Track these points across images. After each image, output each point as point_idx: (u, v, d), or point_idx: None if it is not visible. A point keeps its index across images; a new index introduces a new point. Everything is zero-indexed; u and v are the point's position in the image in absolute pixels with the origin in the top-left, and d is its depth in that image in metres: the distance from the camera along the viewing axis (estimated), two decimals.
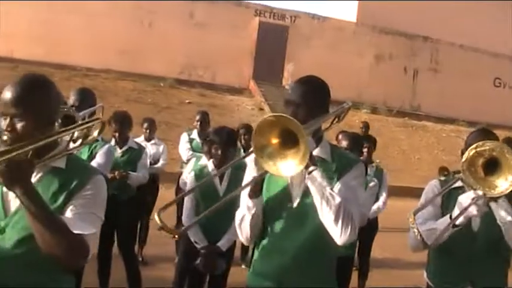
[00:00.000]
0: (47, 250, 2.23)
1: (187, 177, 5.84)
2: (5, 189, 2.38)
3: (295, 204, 3.01)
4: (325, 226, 2.87)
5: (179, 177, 8.15)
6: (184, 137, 8.49)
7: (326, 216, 2.82)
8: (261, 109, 22.83)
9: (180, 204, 7.78)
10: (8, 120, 2.34)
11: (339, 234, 2.83)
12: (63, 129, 2.47)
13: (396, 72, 27.36)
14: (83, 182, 2.43)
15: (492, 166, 3.19)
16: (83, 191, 2.40)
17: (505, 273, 3.69)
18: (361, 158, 6.49)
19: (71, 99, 5.78)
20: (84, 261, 2.35)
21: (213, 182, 5.20)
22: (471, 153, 3.21)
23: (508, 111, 27.34)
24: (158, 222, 2.49)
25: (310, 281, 3.03)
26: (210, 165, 5.38)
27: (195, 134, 8.46)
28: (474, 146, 3.22)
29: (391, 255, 9.38)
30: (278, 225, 3.05)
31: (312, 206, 2.88)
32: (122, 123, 6.48)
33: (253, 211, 3.04)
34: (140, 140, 8.12)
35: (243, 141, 7.72)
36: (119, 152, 6.46)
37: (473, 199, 3.19)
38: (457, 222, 3.22)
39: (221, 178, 5.25)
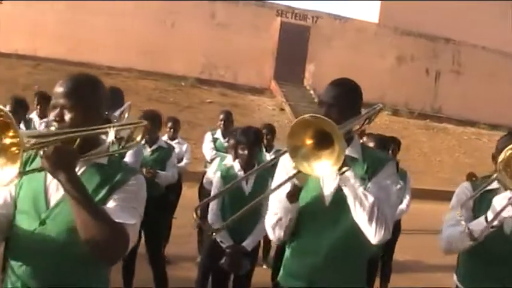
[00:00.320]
0: (89, 239, 2.23)
1: (214, 177, 5.87)
2: (48, 181, 2.44)
3: (327, 204, 3.03)
4: (357, 226, 2.88)
5: (203, 176, 8.18)
6: (208, 137, 8.51)
7: (360, 216, 2.84)
8: (282, 109, 22.85)
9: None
10: (57, 110, 2.42)
11: (373, 234, 2.85)
12: (109, 125, 2.53)
13: (418, 74, 27.25)
14: (125, 178, 2.47)
15: None
16: (125, 186, 2.45)
17: None
18: None
19: None
20: (123, 251, 2.34)
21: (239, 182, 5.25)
22: (508, 154, 3.20)
23: None
24: (196, 219, 2.51)
25: (342, 281, 3.04)
26: (236, 165, 5.40)
27: (218, 134, 8.48)
28: (511, 146, 3.21)
29: (412, 258, 9.35)
30: (310, 225, 3.07)
31: (344, 205, 2.89)
32: (152, 122, 6.40)
33: (291, 215, 3.05)
34: (164, 139, 8.16)
35: (265, 141, 7.73)
36: (148, 150, 6.47)
37: (510, 199, 3.18)
38: (494, 223, 3.22)
39: (247, 177, 5.28)
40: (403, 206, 7.01)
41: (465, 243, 3.28)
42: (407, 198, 7.11)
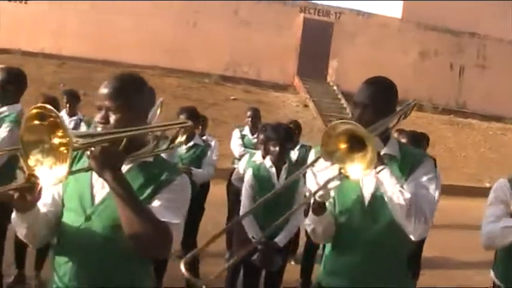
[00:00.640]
0: (133, 236, 2.27)
1: (244, 173, 5.91)
2: (93, 179, 2.49)
3: (366, 204, 3.07)
4: (397, 223, 2.91)
5: (231, 173, 8.23)
6: (236, 133, 8.55)
7: (398, 213, 2.86)
8: (306, 106, 22.82)
9: (232, 201, 7.87)
10: (103, 112, 2.46)
11: (412, 230, 2.87)
12: (155, 125, 2.57)
13: (442, 69, 27.00)
14: (171, 177, 2.50)
15: None
16: (170, 185, 2.48)
17: None
18: None
19: None
20: (167, 250, 2.37)
21: (271, 179, 5.30)
22: None
23: None
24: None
25: (383, 279, 3.08)
26: (267, 162, 5.44)
27: (246, 130, 8.52)
28: None
29: (439, 254, 9.31)
30: (350, 224, 3.11)
31: (383, 203, 2.93)
32: (189, 119, 6.33)
33: (323, 226, 3.12)
34: None
35: None
36: (184, 148, 6.42)
37: None
38: None
39: (278, 174, 5.33)
40: None
41: (507, 239, 3.28)
42: (436, 194, 7.08)
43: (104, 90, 2.47)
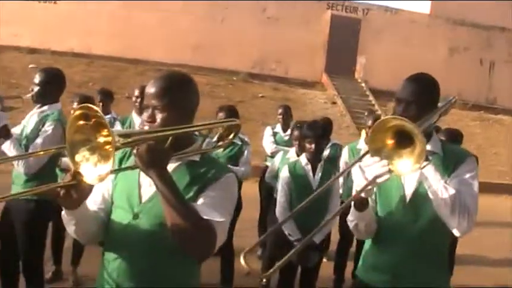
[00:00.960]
0: (177, 234, 2.29)
1: (280, 171, 5.92)
2: (141, 177, 2.52)
3: (408, 199, 3.08)
4: (438, 220, 2.92)
5: (262, 171, 8.26)
6: (268, 131, 8.56)
7: (442, 209, 2.86)
8: (334, 102, 22.78)
9: (265, 198, 7.89)
10: (149, 111, 2.47)
11: (456, 227, 2.88)
12: (202, 123, 2.58)
13: (471, 65, 26.72)
14: (217, 176, 2.49)
15: None
16: (216, 184, 2.47)
17: None
18: None
19: None
20: (211, 248, 2.36)
21: (307, 176, 5.31)
22: None
23: None
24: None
25: (425, 274, 3.08)
26: (303, 159, 5.45)
27: (278, 128, 8.53)
28: None
29: (470, 252, 9.24)
30: (392, 220, 3.12)
31: (425, 199, 2.94)
32: (229, 117, 6.14)
33: (364, 222, 3.13)
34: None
35: None
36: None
37: None
38: None
39: (314, 171, 5.35)
40: None
41: None
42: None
43: (150, 89, 2.47)
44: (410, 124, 2.62)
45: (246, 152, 6.55)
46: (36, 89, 4.84)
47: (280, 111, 8.63)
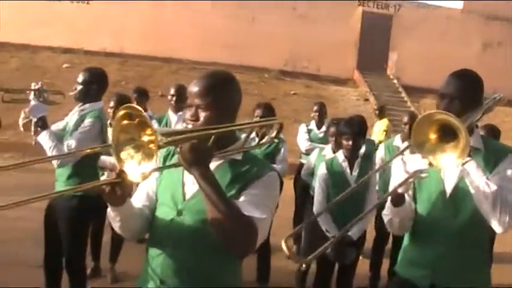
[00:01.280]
0: (219, 230, 2.32)
1: (316, 169, 5.92)
2: (185, 175, 2.55)
3: (448, 195, 3.08)
4: (479, 216, 2.92)
5: (297, 168, 8.27)
6: (302, 128, 8.57)
7: (484, 204, 2.87)
8: (366, 99, 22.66)
9: (300, 196, 7.90)
10: (193, 110, 2.50)
11: (497, 223, 2.87)
12: (245, 122, 2.60)
13: (505, 60, 26.32)
14: (259, 174, 2.51)
15: None
16: (258, 182, 2.48)
17: None
18: None
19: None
20: (252, 244, 2.38)
21: (344, 173, 5.31)
22: None
23: None
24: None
25: (464, 269, 3.09)
26: (339, 156, 5.46)
27: (312, 125, 8.54)
28: None
29: (509, 250, 9.12)
30: (432, 215, 3.13)
31: (465, 195, 2.95)
32: (267, 114, 6.33)
33: (399, 217, 3.16)
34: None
35: None
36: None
37: None
38: None
39: (351, 168, 5.36)
40: None
41: None
42: None
43: (194, 88, 2.50)
44: (455, 119, 2.63)
45: (282, 149, 6.51)
46: (79, 87, 4.94)
47: (315, 108, 8.64)
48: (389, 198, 3.09)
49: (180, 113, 6.72)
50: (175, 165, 2.47)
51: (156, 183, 2.66)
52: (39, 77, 17.04)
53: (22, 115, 4.72)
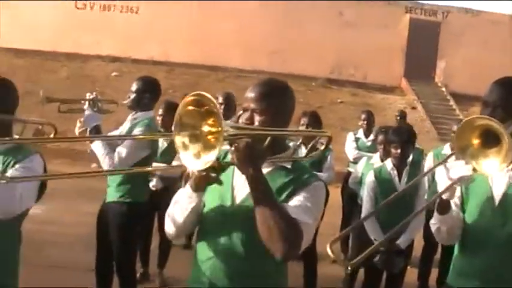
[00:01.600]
0: (266, 232, 2.35)
1: (364, 177, 5.92)
2: (235, 178, 2.61)
3: (497, 202, 3.03)
4: None
5: (345, 176, 8.25)
6: (350, 137, 8.58)
7: None
8: (414, 108, 22.42)
9: (348, 204, 7.89)
10: (248, 113, 2.60)
11: None
12: (296, 129, 2.67)
13: None
14: (307, 182, 2.58)
15: None
16: (305, 189, 2.55)
17: None
18: None
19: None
20: (297, 248, 2.40)
21: (393, 182, 5.30)
22: None
23: None
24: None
25: None
26: (388, 164, 5.45)
27: (360, 133, 8.54)
28: None
29: None
30: (480, 224, 3.08)
31: None
32: (313, 123, 6.28)
33: (447, 226, 3.12)
34: None
35: None
36: (304, 151, 6.38)
37: None
38: None
39: (400, 176, 5.34)
40: None
41: None
42: None
43: (250, 94, 2.61)
44: (497, 124, 2.63)
45: (329, 157, 6.49)
46: (132, 96, 5.06)
47: (363, 116, 8.65)
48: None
49: (229, 121, 6.79)
50: (228, 164, 2.51)
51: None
52: (89, 86, 17.44)
53: (78, 124, 4.85)
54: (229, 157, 2.60)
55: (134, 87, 5.07)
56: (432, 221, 3.21)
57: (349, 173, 7.91)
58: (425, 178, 5.75)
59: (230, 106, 6.75)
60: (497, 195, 3.03)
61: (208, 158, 2.23)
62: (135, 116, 5.06)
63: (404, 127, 5.46)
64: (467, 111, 21.76)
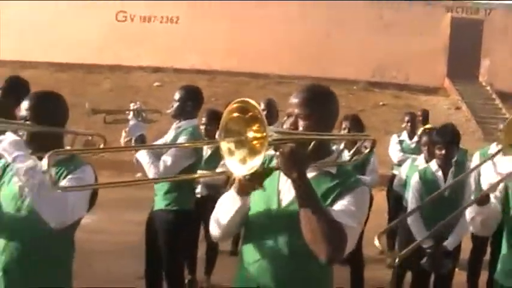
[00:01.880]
0: (311, 235, 2.38)
1: (409, 179, 5.89)
2: (281, 182, 2.65)
3: None
4: None
5: (390, 179, 8.20)
6: (394, 139, 8.55)
7: None
8: (458, 108, 22.12)
9: (394, 207, 7.85)
10: (292, 119, 2.64)
11: None
12: (339, 133, 2.69)
13: None
14: (352, 187, 2.60)
15: None
16: (350, 193, 2.57)
17: None
18: None
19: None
20: (341, 251, 2.42)
21: (438, 183, 5.25)
22: None
23: None
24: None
25: None
26: (433, 166, 5.41)
27: (404, 135, 8.50)
28: None
29: None
30: None
31: None
32: (354, 126, 6.31)
33: (482, 217, 3.16)
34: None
35: None
36: (347, 155, 6.37)
37: None
38: None
39: (445, 177, 5.29)
40: None
41: None
42: None
43: (294, 99, 2.66)
44: None
45: (372, 160, 6.45)
46: (175, 105, 5.15)
47: (406, 118, 8.62)
48: None
49: (272, 126, 6.81)
50: (274, 169, 2.54)
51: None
52: (132, 97, 17.66)
53: (123, 134, 4.95)
54: (274, 162, 2.63)
55: (177, 96, 5.15)
56: (468, 210, 3.21)
57: (393, 176, 7.87)
58: (472, 179, 5.68)
59: (272, 112, 6.80)
60: None
61: (254, 163, 2.26)
62: (179, 124, 5.14)
63: (449, 127, 5.39)
64: None
